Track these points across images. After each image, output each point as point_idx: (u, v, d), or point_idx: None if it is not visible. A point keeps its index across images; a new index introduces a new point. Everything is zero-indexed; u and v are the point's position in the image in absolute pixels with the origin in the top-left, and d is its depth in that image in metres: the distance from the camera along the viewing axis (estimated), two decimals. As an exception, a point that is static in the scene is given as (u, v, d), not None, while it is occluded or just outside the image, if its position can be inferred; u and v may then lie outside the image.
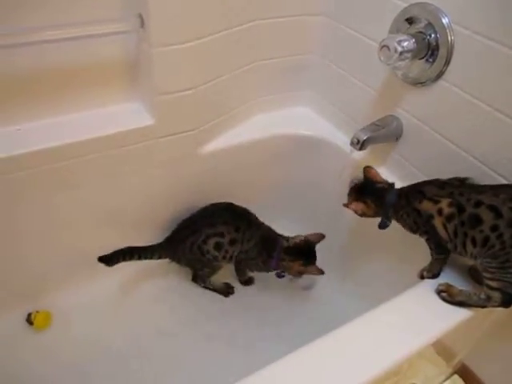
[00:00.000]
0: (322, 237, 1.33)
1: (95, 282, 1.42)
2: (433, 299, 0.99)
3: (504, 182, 1.02)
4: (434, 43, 1.08)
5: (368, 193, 1.12)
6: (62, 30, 1.01)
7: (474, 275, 1.03)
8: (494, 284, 0.91)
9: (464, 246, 0.94)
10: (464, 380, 1.37)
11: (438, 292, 0.99)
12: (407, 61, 1.08)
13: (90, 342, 1.32)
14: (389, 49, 1.05)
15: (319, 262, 1.35)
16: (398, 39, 1.05)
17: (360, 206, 1.11)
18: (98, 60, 1.14)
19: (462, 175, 1.03)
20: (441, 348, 1.28)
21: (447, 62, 1.08)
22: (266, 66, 1.40)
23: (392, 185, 1.12)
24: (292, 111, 1.55)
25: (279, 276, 1.43)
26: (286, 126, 1.50)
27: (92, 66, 1.15)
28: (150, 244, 1.39)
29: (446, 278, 1.03)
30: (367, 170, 1.16)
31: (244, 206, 1.40)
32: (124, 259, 1.32)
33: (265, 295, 1.53)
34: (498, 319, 1.17)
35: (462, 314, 0.96)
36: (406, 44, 1.06)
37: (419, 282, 1.04)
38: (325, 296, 1.54)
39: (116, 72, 1.19)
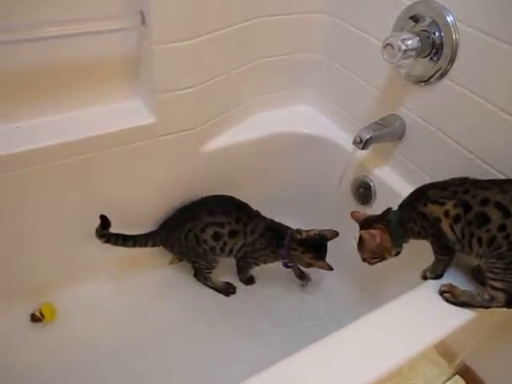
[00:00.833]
0: (336, 234, 1.32)
1: (97, 281, 1.42)
2: (436, 300, 0.98)
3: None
4: (438, 41, 1.07)
5: (372, 223, 1.08)
6: (62, 27, 1.00)
7: (476, 276, 1.02)
8: (498, 284, 0.90)
9: (470, 245, 0.93)
10: (466, 381, 1.36)
11: (441, 293, 0.98)
12: (411, 59, 1.08)
13: (91, 341, 1.32)
14: (392, 47, 1.04)
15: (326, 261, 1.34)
16: (401, 37, 1.05)
17: (376, 231, 1.04)
18: (98, 57, 1.14)
19: (466, 175, 1.02)
20: (443, 349, 1.28)
21: (451, 61, 1.07)
22: (268, 64, 1.39)
23: (388, 208, 1.10)
24: (294, 109, 1.54)
25: (286, 266, 1.42)
26: (288, 125, 1.49)
27: (92, 64, 1.14)
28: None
29: (449, 278, 1.02)
30: (353, 214, 1.15)
31: (245, 204, 1.40)
32: (117, 242, 1.31)
33: (266, 293, 1.53)
34: (500, 320, 1.16)
35: (465, 315, 0.95)
36: (409, 42, 1.05)
37: (422, 283, 1.03)
38: (326, 295, 1.53)
39: (116, 69, 1.18)
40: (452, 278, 1.02)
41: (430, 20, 1.08)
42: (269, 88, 1.47)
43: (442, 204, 0.95)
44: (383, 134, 1.23)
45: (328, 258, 1.32)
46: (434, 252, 1.03)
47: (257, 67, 1.37)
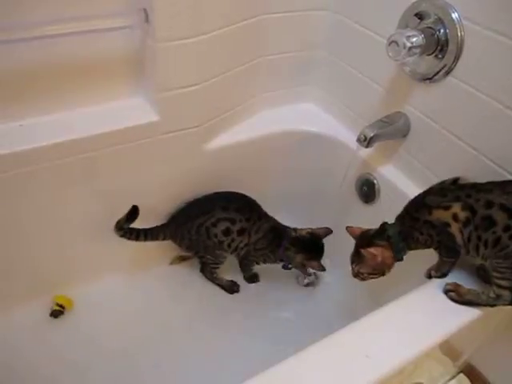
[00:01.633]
0: (328, 231, 1.32)
1: (101, 280, 1.43)
2: (440, 299, 0.97)
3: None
4: (443, 39, 1.07)
5: (371, 239, 1.04)
6: (66, 25, 1.00)
7: (481, 275, 1.01)
8: (504, 283, 0.90)
9: (477, 249, 0.92)
10: (470, 379, 1.36)
11: (446, 291, 0.98)
12: (416, 57, 1.07)
13: (97, 338, 1.32)
14: (397, 44, 1.04)
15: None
16: (406, 35, 1.04)
17: (378, 249, 1.01)
18: (101, 55, 1.13)
19: (471, 173, 1.02)
20: (447, 347, 1.28)
21: (456, 58, 1.06)
22: (272, 62, 1.39)
23: (384, 222, 1.06)
24: (297, 107, 1.54)
25: (285, 268, 1.42)
26: (292, 123, 1.49)
27: (95, 61, 1.14)
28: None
29: (454, 277, 1.02)
30: (349, 229, 1.11)
31: (248, 202, 1.39)
32: (131, 237, 1.32)
33: (268, 293, 1.53)
34: (505, 319, 1.16)
35: (469, 314, 0.95)
36: (414, 39, 1.04)
37: (427, 282, 1.03)
38: (330, 293, 1.53)
39: (120, 67, 1.18)
40: (457, 276, 1.02)
41: (435, 17, 1.07)
42: (272, 86, 1.47)
43: (448, 208, 0.94)
44: (387, 131, 1.22)
45: (331, 257, 1.32)
46: (440, 255, 1.02)
47: (260, 65, 1.37)
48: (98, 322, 1.36)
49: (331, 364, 0.85)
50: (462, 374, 1.37)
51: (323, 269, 1.32)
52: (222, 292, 1.51)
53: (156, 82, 1.15)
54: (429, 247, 1.02)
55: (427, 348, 0.89)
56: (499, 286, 0.91)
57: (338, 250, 1.46)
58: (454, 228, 0.93)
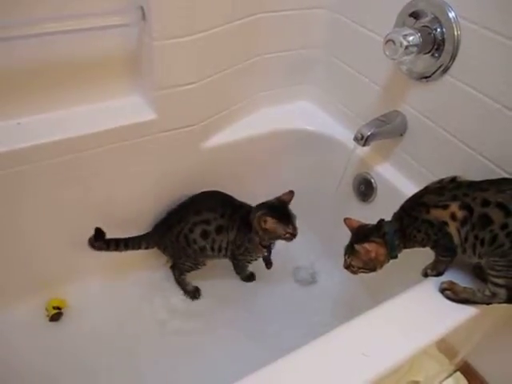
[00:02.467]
0: (291, 193, 1.28)
1: (92, 281, 1.43)
2: (436, 297, 0.97)
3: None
4: (440, 38, 1.07)
5: (368, 235, 1.05)
6: (62, 23, 1.00)
7: (477, 273, 1.02)
8: (500, 281, 0.90)
9: (474, 248, 0.92)
10: (466, 377, 1.37)
11: (442, 290, 0.98)
12: (412, 55, 1.07)
13: (96, 338, 1.33)
14: (394, 43, 1.04)
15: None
16: (403, 33, 1.04)
17: (373, 245, 1.01)
18: (98, 53, 1.13)
19: (468, 172, 1.02)
20: (443, 346, 1.28)
21: (453, 57, 1.06)
22: (269, 60, 1.39)
23: (381, 219, 1.06)
24: (295, 106, 1.54)
25: (269, 250, 1.38)
26: (289, 121, 1.49)
27: (92, 60, 1.13)
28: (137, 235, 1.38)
29: (449, 275, 1.02)
30: (347, 221, 1.11)
31: (245, 201, 1.37)
32: (109, 248, 1.30)
33: (264, 291, 1.53)
34: (501, 317, 1.16)
35: (465, 312, 0.95)
36: (411, 38, 1.05)
37: (422, 280, 1.03)
38: (327, 291, 1.53)
39: (117, 65, 1.18)
40: (452, 274, 1.02)
41: (432, 16, 1.08)
42: (270, 84, 1.47)
43: (446, 207, 0.94)
44: (384, 130, 1.22)
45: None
46: (437, 254, 1.03)
47: (258, 64, 1.37)
48: (93, 320, 1.36)
49: (328, 362, 0.85)
50: (458, 373, 1.38)
51: (293, 232, 1.25)
52: (216, 289, 1.50)
53: (153, 80, 1.15)
54: (425, 246, 1.02)
55: (424, 346, 0.90)
56: (495, 284, 0.91)
57: (336, 249, 1.47)
58: (452, 227, 0.94)
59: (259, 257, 1.42)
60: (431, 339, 0.92)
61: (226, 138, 1.39)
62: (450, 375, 1.38)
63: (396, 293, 0.98)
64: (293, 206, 1.28)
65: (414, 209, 1.00)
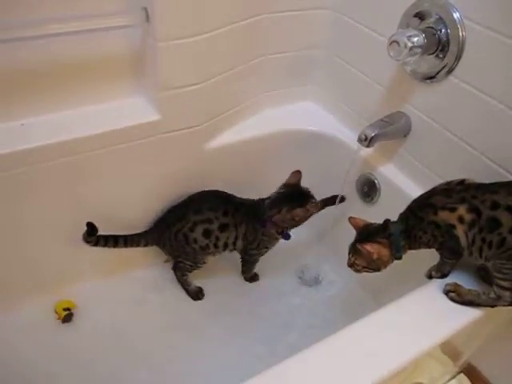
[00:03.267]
0: (298, 173, 1.28)
1: (92, 280, 1.42)
2: (441, 299, 0.97)
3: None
4: (445, 39, 1.06)
5: (372, 234, 1.04)
6: (66, 24, 1.00)
7: (482, 275, 1.01)
8: (505, 284, 0.89)
9: (480, 251, 0.91)
10: (470, 379, 1.36)
11: (446, 292, 0.97)
12: (417, 56, 1.07)
13: (97, 338, 1.33)
14: (398, 44, 1.03)
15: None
16: (407, 34, 1.04)
17: (375, 246, 1.00)
18: (102, 54, 1.13)
19: (472, 173, 1.01)
20: (447, 347, 1.27)
21: (458, 58, 1.06)
22: (273, 61, 1.39)
23: (386, 220, 1.05)
24: (298, 106, 1.54)
25: (286, 237, 1.37)
26: (293, 122, 1.49)
27: (96, 61, 1.13)
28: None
29: (454, 277, 1.02)
30: (352, 220, 1.10)
31: (248, 200, 1.39)
32: (107, 244, 1.30)
33: (266, 292, 1.53)
34: (506, 319, 1.16)
35: (469, 314, 0.95)
36: (415, 39, 1.04)
37: (427, 282, 1.02)
38: (331, 292, 1.53)
39: (121, 66, 1.18)
40: (457, 276, 1.02)
41: (437, 17, 1.07)
42: (273, 85, 1.47)
43: (453, 209, 0.92)
44: (388, 131, 1.22)
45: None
46: (442, 256, 1.02)
47: (262, 64, 1.37)
48: (103, 319, 1.37)
49: (332, 364, 0.85)
50: (462, 374, 1.37)
51: (319, 207, 1.28)
52: (219, 289, 1.50)
53: (157, 81, 1.15)
54: (430, 247, 1.01)
55: (428, 348, 0.89)
56: (501, 287, 0.91)
57: (340, 250, 1.46)
58: (460, 230, 0.93)
59: (273, 246, 1.41)
60: (435, 341, 0.91)
61: (230, 139, 1.39)
62: (454, 377, 1.37)
63: (400, 295, 0.97)
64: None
65: (420, 209, 0.99)
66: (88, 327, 1.35)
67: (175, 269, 1.47)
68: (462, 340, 1.23)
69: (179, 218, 1.34)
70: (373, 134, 1.18)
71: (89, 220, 1.25)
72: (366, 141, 1.18)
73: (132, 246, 1.36)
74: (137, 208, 1.37)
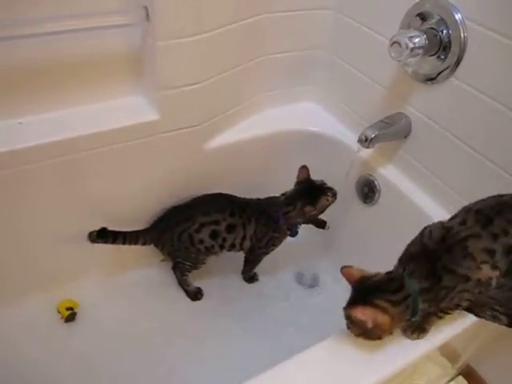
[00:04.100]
0: (304, 168, 1.30)
1: (91, 280, 1.42)
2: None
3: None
4: (446, 40, 1.06)
5: (375, 293, 0.81)
6: (65, 22, 0.99)
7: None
8: (499, 309, 0.89)
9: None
10: (468, 381, 1.36)
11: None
12: (418, 57, 1.07)
13: (102, 338, 1.33)
14: (400, 45, 1.03)
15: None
16: (409, 35, 1.04)
17: (368, 312, 0.78)
18: (101, 53, 1.13)
19: (473, 176, 1.01)
20: (446, 349, 1.27)
21: (459, 60, 1.05)
22: (273, 61, 1.38)
23: (399, 271, 0.84)
24: (299, 107, 1.53)
25: (294, 234, 1.38)
26: (293, 122, 1.48)
27: (95, 59, 1.13)
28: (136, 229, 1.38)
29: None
30: (345, 271, 0.86)
31: (248, 202, 1.38)
32: (106, 241, 1.31)
33: (265, 292, 1.53)
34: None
35: (469, 317, 0.94)
36: (417, 40, 1.04)
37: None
38: (329, 294, 1.53)
39: (120, 65, 1.17)
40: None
41: (438, 18, 1.07)
42: (274, 85, 1.46)
43: (495, 268, 0.79)
44: (389, 132, 1.21)
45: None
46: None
47: (262, 64, 1.36)
48: (107, 318, 1.36)
49: (331, 366, 0.85)
50: (460, 377, 1.37)
51: (334, 196, 1.28)
52: (218, 290, 1.50)
53: (156, 80, 1.15)
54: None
55: (427, 351, 0.89)
56: (495, 310, 0.90)
57: (338, 251, 1.46)
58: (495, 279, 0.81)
59: (279, 244, 1.41)
60: (434, 344, 0.91)
61: (229, 139, 1.38)
62: (452, 379, 1.37)
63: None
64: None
65: (453, 259, 0.80)
66: (91, 327, 1.34)
67: (175, 269, 1.47)
68: (460, 342, 1.23)
69: (185, 219, 1.34)
70: (373, 135, 1.18)
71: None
72: (367, 142, 1.18)
73: (130, 243, 1.35)
74: (136, 207, 1.36)
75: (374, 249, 1.41)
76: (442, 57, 1.08)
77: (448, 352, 1.27)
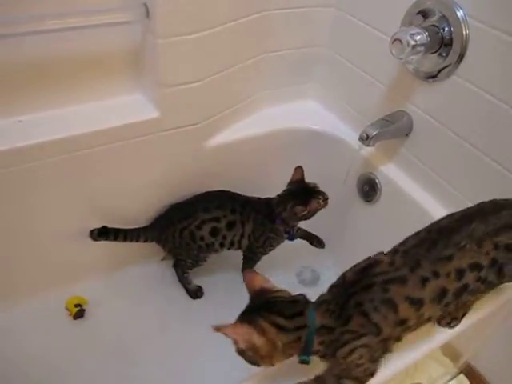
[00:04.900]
0: (299, 169, 1.30)
1: (91, 278, 1.42)
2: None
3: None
4: (448, 37, 1.06)
5: (266, 311, 0.72)
6: (65, 20, 0.98)
7: None
8: None
9: None
10: (469, 380, 1.36)
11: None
12: (419, 55, 1.06)
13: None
14: (401, 42, 1.03)
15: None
16: (410, 32, 1.03)
17: (240, 330, 0.69)
18: (101, 51, 1.12)
19: (474, 174, 1.01)
20: (447, 348, 1.27)
21: (461, 57, 1.05)
22: (274, 59, 1.38)
23: (302, 298, 0.75)
24: (299, 105, 1.53)
25: (291, 237, 1.38)
26: (293, 120, 1.48)
27: (95, 57, 1.12)
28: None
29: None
30: (248, 275, 0.81)
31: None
32: (108, 238, 1.31)
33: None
34: (505, 321, 1.15)
35: (470, 317, 0.94)
36: (418, 38, 1.03)
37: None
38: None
39: (120, 63, 1.17)
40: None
41: (440, 15, 1.06)
42: (274, 83, 1.46)
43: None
44: (390, 130, 1.21)
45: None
46: None
47: (263, 62, 1.36)
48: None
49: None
50: (461, 375, 1.37)
51: (324, 202, 1.27)
52: (219, 288, 1.49)
53: (156, 78, 1.14)
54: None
55: (429, 351, 0.89)
56: None
57: (339, 248, 1.46)
58: None
59: (278, 245, 1.41)
60: (436, 344, 0.91)
61: (229, 137, 1.38)
62: (454, 377, 1.37)
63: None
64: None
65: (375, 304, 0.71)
66: (98, 324, 1.34)
67: (176, 266, 1.47)
68: (461, 341, 1.23)
69: (186, 215, 1.33)
70: (374, 133, 1.17)
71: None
72: (368, 140, 1.18)
73: (132, 240, 1.35)
74: (136, 205, 1.36)
75: (375, 247, 1.39)
76: (444, 54, 1.08)
77: (449, 351, 1.28)
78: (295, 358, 0.73)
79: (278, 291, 0.75)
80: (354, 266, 0.78)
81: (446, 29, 1.05)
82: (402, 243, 0.80)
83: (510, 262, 0.77)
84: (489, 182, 1.07)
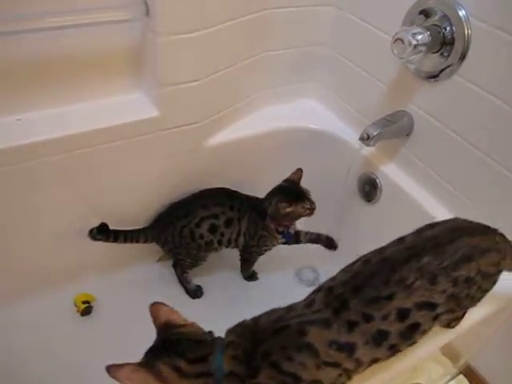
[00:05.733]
0: (299, 171, 1.30)
1: (88, 278, 1.41)
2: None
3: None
4: (450, 37, 1.05)
5: (168, 351, 0.66)
6: (64, 18, 0.98)
7: None
8: None
9: None
10: (469, 380, 1.36)
11: None
12: (421, 54, 1.06)
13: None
14: (402, 42, 1.02)
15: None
16: (412, 32, 1.03)
17: (136, 377, 0.61)
18: (101, 49, 1.12)
19: (476, 176, 1.00)
20: (447, 349, 1.27)
21: (462, 57, 1.04)
22: (274, 57, 1.37)
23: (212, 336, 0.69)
24: (300, 104, 1.52)
25: (288, 238, 1.36)
26: (294, 120, 1.47)
27: (95, 55, 1.12)
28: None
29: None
30: (154, 307, 0.73)
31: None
32: (108, 239, 1.30)
33: (263, 289, 1.52)
34: (505, 321, 1.15)
35: (469, 318, 0.93)
36: (420, 37, 1.03)
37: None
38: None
39: (119, 61, 1.16)
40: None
41: (442, 14, 1.06)
42: (274, 82, 1.45)
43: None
44: (391, 130, 1.21)
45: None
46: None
47: (263, 60, 1.35)
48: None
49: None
50: (461, 376, 1.37)
51: (311, 207, 1.26)
52: (218, 288, 1.49)
53: (156, 76, 1.14)
54: None
55: (429, 352, 0.89)
56: None
57: (340, 249, 1.46)
58: None
59: (274, 246, 1.40)
60: (436, 345, 0.90)
61: (230, 136, 1.38)
62: (453, 378, 1.37)
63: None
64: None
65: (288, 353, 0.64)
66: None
67: (176, 266, 1.46)
68: (461, 342, 1.23)
69: (185, 214, 1.33)
70: (375, 133, 1.17)
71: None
72: (368, 139, 1.17)
73: (132, 241, 1.35)
74: (136, 204, 1.36)
75: (375, 246, 1.39)
76: (446, 54, 1.07)
77: (449, 351, 1.27)
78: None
79: (183, 326, 0.67)
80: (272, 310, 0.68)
81: (448, 28, 1.05)
82: (332, 278, 0.71)
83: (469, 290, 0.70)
84: (489, 183, 1.07)
